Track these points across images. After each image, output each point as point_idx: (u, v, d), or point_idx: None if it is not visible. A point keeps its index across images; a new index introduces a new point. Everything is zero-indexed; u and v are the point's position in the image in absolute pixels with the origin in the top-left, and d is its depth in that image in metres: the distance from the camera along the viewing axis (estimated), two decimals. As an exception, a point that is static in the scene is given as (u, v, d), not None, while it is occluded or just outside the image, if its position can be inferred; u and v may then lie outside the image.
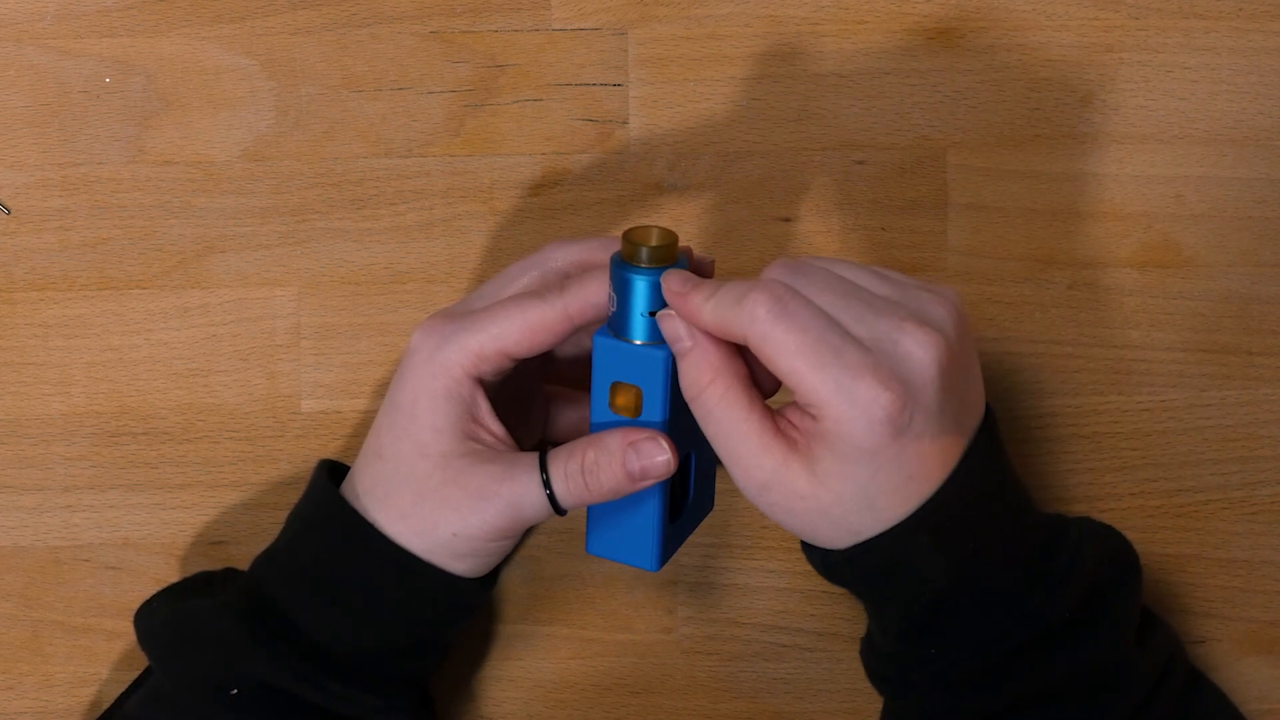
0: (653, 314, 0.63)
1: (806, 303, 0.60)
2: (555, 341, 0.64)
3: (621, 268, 0.63)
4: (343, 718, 0.66)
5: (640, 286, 0.62)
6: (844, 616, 0.75)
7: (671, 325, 0.62)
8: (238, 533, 0.74)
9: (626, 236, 0.63)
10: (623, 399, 0.64)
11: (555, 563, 0.75)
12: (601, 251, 0.65)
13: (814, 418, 0.60)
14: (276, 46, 0.74)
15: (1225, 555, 0.76)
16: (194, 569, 0.73)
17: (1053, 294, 0.75)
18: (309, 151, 0.74)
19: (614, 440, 0.63)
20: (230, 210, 0.74)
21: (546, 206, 0.75)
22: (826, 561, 0.63)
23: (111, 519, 0.74)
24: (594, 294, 0.64)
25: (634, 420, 0.64)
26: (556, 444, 0.66)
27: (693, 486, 0.68)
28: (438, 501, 0.64)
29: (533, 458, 0.64)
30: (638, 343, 0.63)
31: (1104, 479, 0.76)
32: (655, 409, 0.64)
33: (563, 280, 0.65)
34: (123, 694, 0.70)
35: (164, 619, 0.68)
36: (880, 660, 0.67)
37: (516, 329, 0.64)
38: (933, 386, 0.59)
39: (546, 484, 0.63)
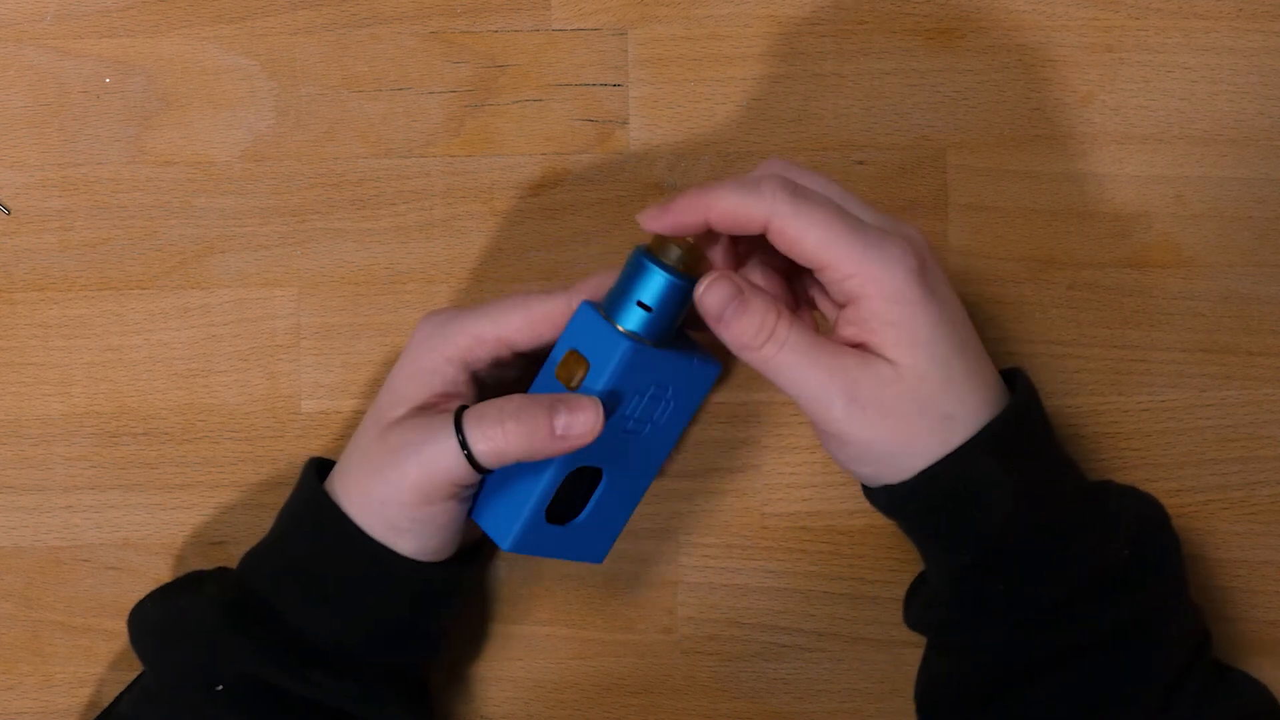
0: (646, 306, 0.63)
1: (815, 187, 0.63)
2: (554, 332, 0.65)
3: (643, 254, 0.63)
4: (329, 709, 0.66)
5: (653, 275, 0.62)
6: (844, 616, 0.75)
7: (720, 287, 0.62)
8: (237, 533, 0.74)
9: (659, 235, 0.63)
10: (568, 369, 0.63)
11: (555, 563, 0.75)
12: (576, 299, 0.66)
13: (854, 303, 0.61)
14: (276, 46, 0.74)
15: (1225, 555, 0.76)
16: (194, 569, 0.73)
17: (1053, 294, 0.75)
18: (309, 151, 0.74)
19: (540, 396, 0.63)
20: (230, 210, 0.74)
21: (546, 206, 0.75)
22: (893, 497, 0.64)
23: (111, 519, 0.74)
24: (600, 290, 0.65)
25: (575, 390, 0.63)
26: None
27: (590, 510, 0.67)
28: (370, 469, 0.64)
29: (445, 420, 0.63)
30: (619, 328, 0.63)
31: (1104, 479, 0.76)
32: (593, 391, 0.63)
33: (565, 286, 0.66)
34: (119, 695, 0.70)
35: (153, 618, 0.68)
36: (932, 606, 0.67)
37: (519, 316, 0.65)
38: (932, 259, 0.63)
39: (463, 442, 0.62)
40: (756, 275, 0.65)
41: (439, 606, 0.68)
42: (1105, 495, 0.66)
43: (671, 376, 0.65)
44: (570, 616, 0.75)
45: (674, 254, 0.63)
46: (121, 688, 0.71)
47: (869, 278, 0.61)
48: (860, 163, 0.75)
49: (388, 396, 0.66)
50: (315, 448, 0.74)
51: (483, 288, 0.74)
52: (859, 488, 0.75)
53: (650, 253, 0.63)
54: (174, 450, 0.74)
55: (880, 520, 0.75)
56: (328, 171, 0.74)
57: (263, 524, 0.73)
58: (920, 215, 0.75)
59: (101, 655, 0.74)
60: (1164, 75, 0.76)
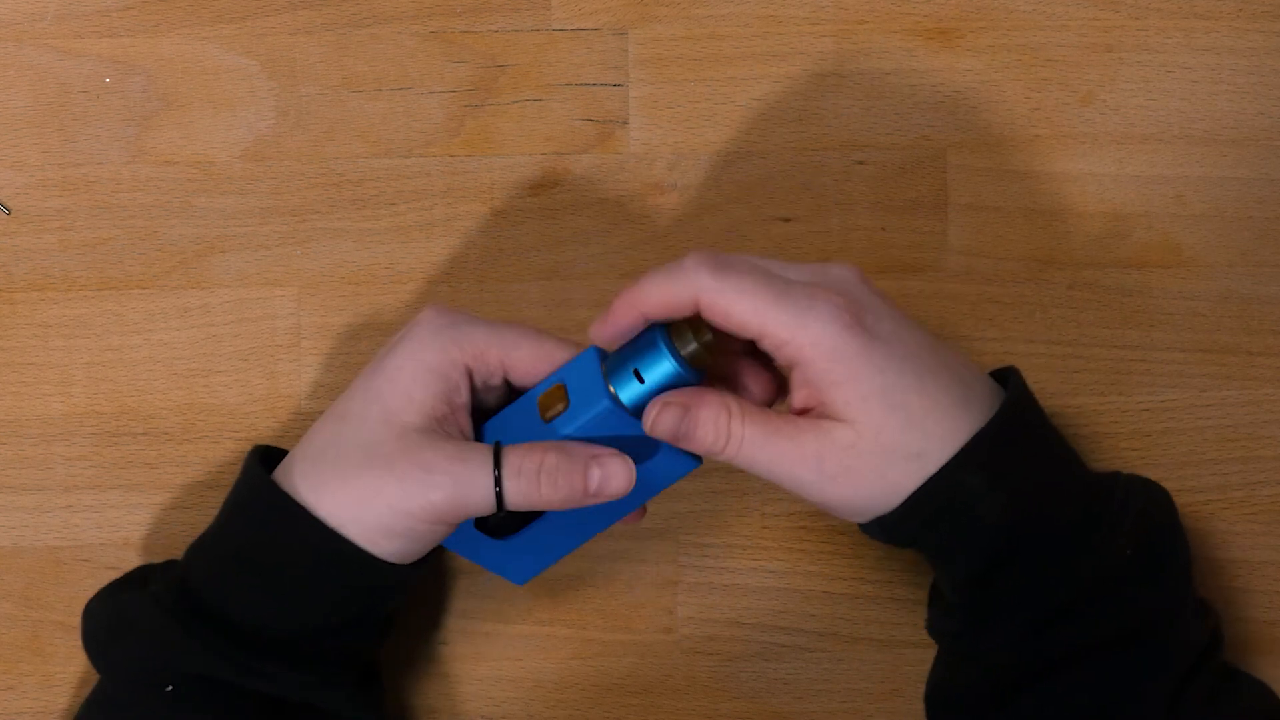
0: (641, 379, 0.62)
1: (738, 256, 0.62)
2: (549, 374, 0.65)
3: (660, 333, 0.62)
4: (281, 699, 0.65)
5: (660, 357, 0.62)
6: (844, 616, 0.75)
7: (667, 414, 0.62)
8: (238, 533, 0.74)
9: (692, 321, 0.62)
10: (550, 400, 0.63)
11: (555, 563, 0.75)
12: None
13: (797, 368, 0.61)
14: (276, 46, 0.74)
15: (1225, 555, 0.76)
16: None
17: (1053, 294, 0.75)
18: (309, 151, 0.74)
19: (578, 449, 0.63)
20: (230, 210, 0.74)
21: (546, 206, 0.75)
22: (885, 525, 0.64)
23: (111, 519, 0.74)
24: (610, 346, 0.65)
25: (550, 422, 0.63)
26: None
27: (523, 536, 0.67)
28: (384, 469, 0.63)
29: (488, 448, 0.63)
30: (609, 386, 0.63)
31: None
32: (561, 432, 0.63)
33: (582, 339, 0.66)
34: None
35: (100, 617, 0.67)
36: (946, 614, 0.67)
37: (528, 347, 0.65)
38: (871, 295, 0.63)
39: (498, 479, 0.63)
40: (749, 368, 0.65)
41: (395, 596, 0.67)
42: (1111, 490, 0.66)
43: (644, 452, 0.64)
44: (570, 616, 0.75)
45: (690, 346, 0.62)
46: (121, 688, 0.71)
47: (803, 343, 0.61)
48: (860, 163, 0.75)
49: (391, 389, 0.64)
50: (315, 448, 0.74)
51: (483, 288, 0.74)
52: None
53: (668, 335, 0.63)
54: (174, 450, 0.74)
55: (880, 520, 0.75)
56: (328, 171, 0.74)
57: (263, 524, 0.73)
58: (920, 215, 0.75)
59: (101, 655, 0.74)
60: (1164, 75, 0.76)
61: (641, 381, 0.62)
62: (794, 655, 0.75)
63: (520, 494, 0.63)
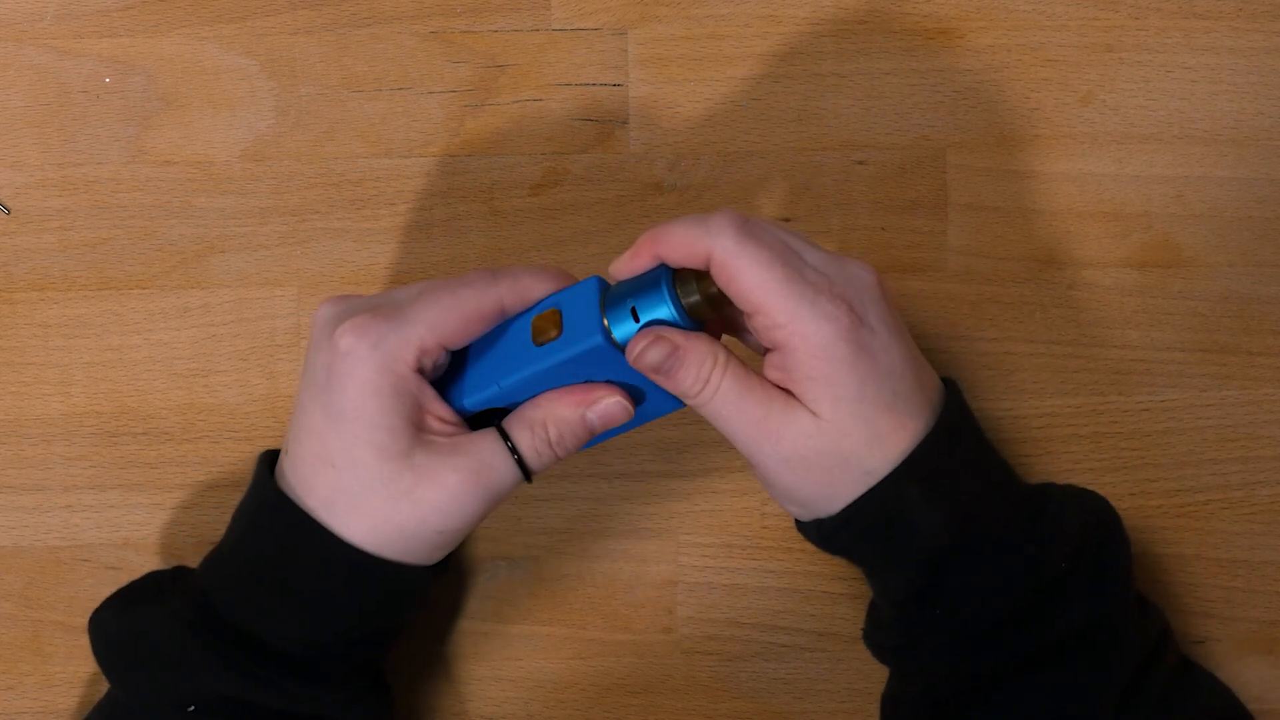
0: (636, 318, 0.62)
1: (767, 226, 0.62)
2: (486, 329, 0.64)
3: (665, 274, 0.62)
4: (305, 717, 0.65)
5: (660, 300, 0.62)
6: (844, 616, 0.75)
7: (660, 345, 0.62)
8: (238, 533, 0.74)
9: (700, 273, 0.62)
10: (544, 324, 0.63)
11: (555, 563, 0.75)
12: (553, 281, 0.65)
13: (781, 351, 0.61)
14: (276, 46, 0.74)
15: (1225, 555, 0.76)
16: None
17: (1053, 294, 0.75)
18: (309, 151, 0.74)
19: (569, 411, 0.64)
20: (230, 210, 0.74)
21: (546, 206, 0.75)
22: (823, 530, 0.64)
23: (111, 519, 0.74)
24: (526, 285, 0.64)
25: (541, 346, 0.63)
26: None
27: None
28: (415, 502, 0.63)
29: (493, 437, 0.63)
30: (604, 321, 0.63)
31: (1104, 479, 0.76)
32: (552, 358, 0.63)
33: (491, 272, 0.64)
34: (89, 715, 0.68)
35: (116, 632, 0.66)
36: (884, 630, 0.67)
37: (454, 319, 0.63)
38: (881, 303, 0.62)
39: (519, 462, 0.64)
40: None
41: (411, 604, 0.67)
42: (1045, 501, 0.66)
43: (630, 387, 0.65)
44: (570, 616, 0.75)
45: (692, 297, 0.62)
46: (121, 688, 0.71)
47: (797, 331, 0.61)
48: (860, 163, 0.75)
49: (368, 429, 0.62)
50: (315, 448, 0.74)
51: (483, 288, 0.74)
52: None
53: (672, 280, 0.63)
54: (174, 450, 0.74)
55: (880, 520, 0.75)
56: (328, 171, 0.74)
57: (263, 524, 0.73)
58: (920, 215, 0.75)
59: (101, 655, 0.74)
60: (1164, 75, 0.76)
61: (636, 320, 0.62)
62: (794, 655, 0.76)
63: (541, 464, 0.64)
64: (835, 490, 0.63)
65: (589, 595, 0.75)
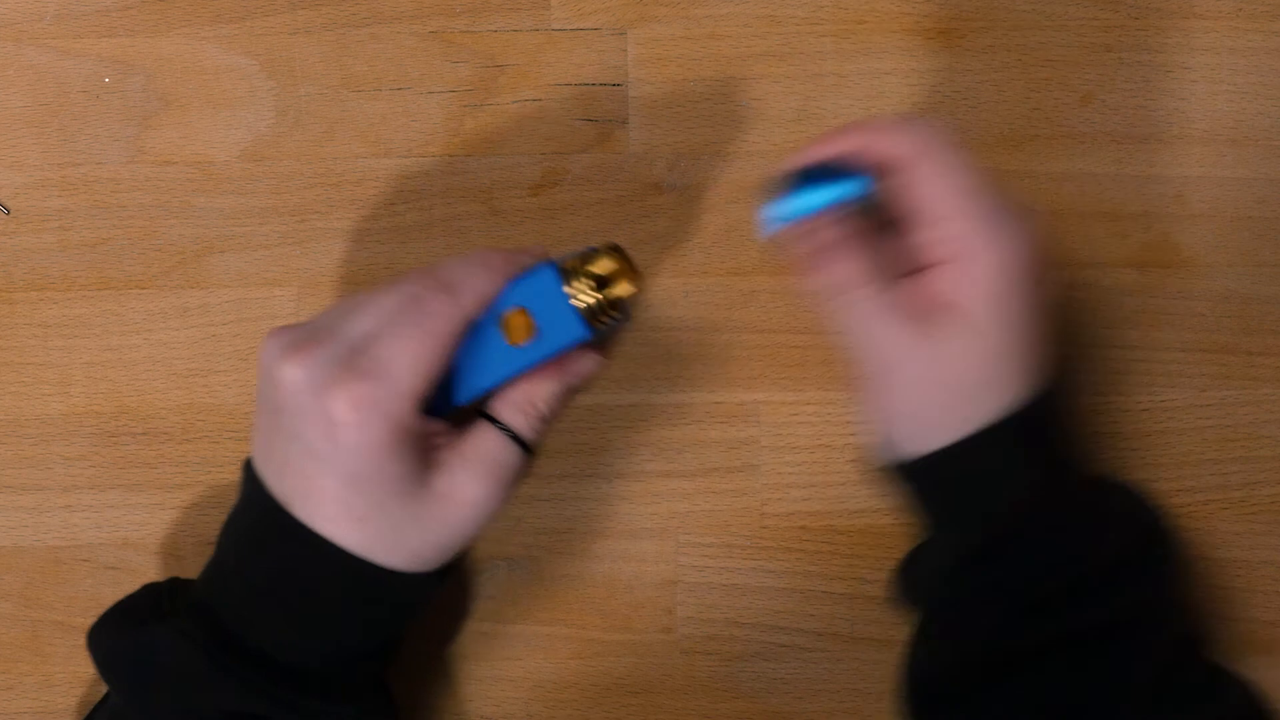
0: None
1: (961, 146, 0.62)
2: (457, 346, 0.63)
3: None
4: None
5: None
6: (844, 616, 0.75)
7: (829, 229, 0.62)
8: (237, 533, 0.74)
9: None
10: (512, 327, 0.63)
11: (555, 563, 0.75)
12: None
13: (955, 264, 0.60)
14: (276, 46, 0.74)
15: (1225, 555, 0.76)
16: (194, 569, 0.73)
17: (1052, 294, 0.75)
18: (309, 151, 0.74)
19: (554, 385, 0.64)
20: (230, 210, 0.74)
21: (546, 206, 0.75)
22: (915, 467, 0.64)
23: (111, 519, 0.74)
24: (480, 287, 0.63)
25: (520, 346, 0.63)
26: None
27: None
28: (447, 525, 0.63)
29: (493, 433, 0.64)
30: (577, 305, 0.63)
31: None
32: (542, 350, 0.63)
33: (434, 277, 0.63)
34: (89, 715, 0.68)
35: (121, 650, 0.65)
36: (930, 578, 0.67)
37: (432, 353, 0.61)
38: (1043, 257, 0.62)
39: (525, 450, 0.64)
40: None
41: (423, 611, 0.67)
42: (1112, 485, 0.67)
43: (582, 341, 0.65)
44: (570, 616, 0.75)
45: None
46: (121, 688, 0.70)
47: (991, 243, 0.60)
48: (860, 163, 0.75)
49: (389, 481, 0.61)
50: (315, 448, 0.74)
51: (482, 288, 0.74)
52: (859, 488, 0.75)
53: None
54: (174, 450, 0.74)
55: (880, 520, 0.75)
56: (327, 171, 0.74)
57: (262, 524, 0.73)
58: (920, 215, 0.75)
59: (101, 655, 0.74)
60: (1163, 75, 0.76)
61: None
62: (794, 655, 0.75)
63: (539, 439, 0.65)
64: (959, 419, 0.62)
65: (589, 595, 0.75)
